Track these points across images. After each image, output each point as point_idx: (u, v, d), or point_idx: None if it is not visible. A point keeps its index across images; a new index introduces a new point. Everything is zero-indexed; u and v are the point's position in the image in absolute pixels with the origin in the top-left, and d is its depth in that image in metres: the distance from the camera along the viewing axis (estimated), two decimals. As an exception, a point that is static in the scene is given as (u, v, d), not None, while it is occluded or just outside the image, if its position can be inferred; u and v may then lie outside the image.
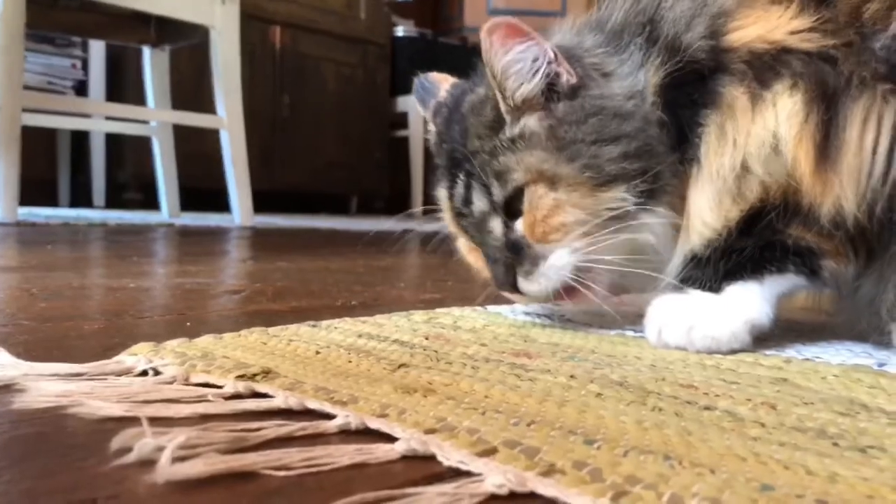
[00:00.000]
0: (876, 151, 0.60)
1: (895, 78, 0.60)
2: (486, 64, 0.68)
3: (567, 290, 0.70)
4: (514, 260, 0.70)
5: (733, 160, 0.64)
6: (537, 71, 0.67)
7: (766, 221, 0.64)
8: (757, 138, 0.63)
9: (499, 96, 0.69)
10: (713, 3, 0.67)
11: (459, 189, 0.73)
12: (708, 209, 0.65)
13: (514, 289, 0.71)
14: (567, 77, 0.68)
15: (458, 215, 0.74)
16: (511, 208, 0.69)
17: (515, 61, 0.67)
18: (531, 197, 0.68)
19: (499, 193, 0.69)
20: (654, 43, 0.68)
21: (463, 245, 0.78)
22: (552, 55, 0.68)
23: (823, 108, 0.61)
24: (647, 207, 0.67)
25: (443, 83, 0.83)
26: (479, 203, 0.71)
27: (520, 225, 0.69)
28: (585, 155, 0.66)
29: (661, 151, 0.67)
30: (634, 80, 0.68)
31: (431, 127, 0.81)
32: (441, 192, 0.77)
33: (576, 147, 0.66)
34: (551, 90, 0.68)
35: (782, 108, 0.62)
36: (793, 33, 0.63)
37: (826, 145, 0.61)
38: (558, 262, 0.68)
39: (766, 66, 0.63)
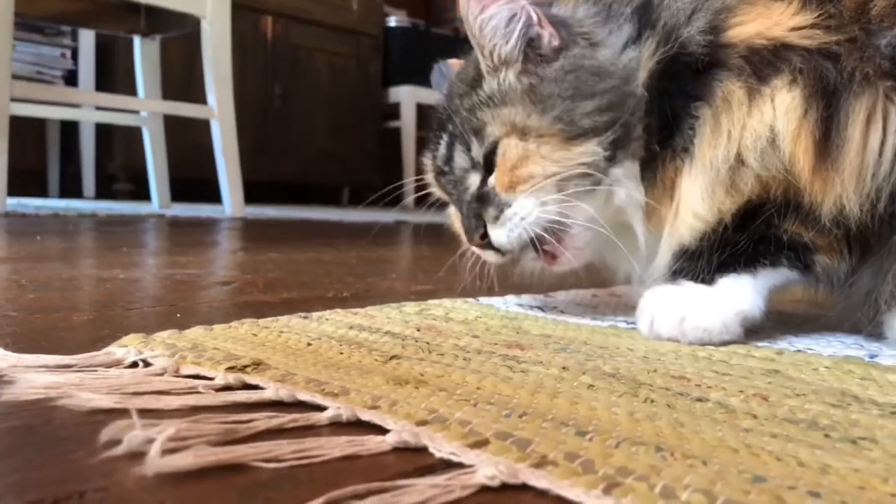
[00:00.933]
0: (882, 152, 0.60)
1: None
2: (464, 22, 0.69)
3: (544, 252, 0.70)
4: (480, 208, 0.70)
5: (727, 152, 0.64)
6: (514, 30, 0.68)
7: (764, 217, 0.64)
8: (753, 132, 0.63)
9: (478, 55, 0.70)
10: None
11: (441, 149, 0.74)
12: (700, 200, 0.65)
13: (485, 240, 0.70)
14: (549, 39, 0.69)
15: (440, 174, 0.75)
16: (490, 164, 0.70)
17: (491, 18, 0.68)
18: (503, 149, 0.68)
19: (477, 150, 0.70)
20: (650, 27, 0.68)
21: (453, 212, 0.79)
22: (534, 17, 0.68)
23: (823, 104, 0.61)
24: (616, 161, 0.67)
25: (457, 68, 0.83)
26: (460, 160, 0.72)
27: (493, 178, 0.70)
28: (559, 108, 0.66)
29: (632, 105, 0.67)
30: (623, 54, 0.68)
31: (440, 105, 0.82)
32: (426, 157, 0.78)
33: (551, 101, 0.67)
34: (533, 50, 0.69)
35: (780, 103, 0.62)
36: (794, 30, 0.62)
37: (826, 142, 0.60)
38: (522, 210, 0.68)
39: (764, 62, 0.63)
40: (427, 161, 0.78)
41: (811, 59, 0.61)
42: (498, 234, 0.69)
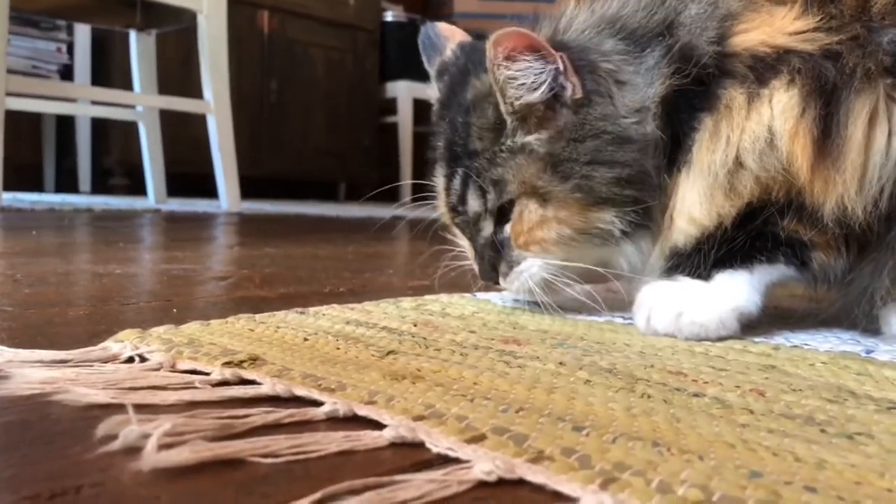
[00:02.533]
0: (888, 154, 0.60)
1: None
2: (489, 71, 0.67)
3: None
4: (495, 259, 0.73)
5: (725, 156, 0.63)
6: (540, 84, 0.67)
7: (764, 218, 0.64)
8: (751, 133, 0.62)
9: (499, 98, 0.68)
10: (722, 5, 0.66)
11: (456, 185, 0.74)
12: (698, 204, 0.65)
13: (496, 284, 0.75)
14: (572, 92, 0.67)
15: (453, 210, 0.76)
16: (503, 213, 0.71)
17: (517, 76, 0.67)
18: (521, 209, 0.70)
19: (493, 200, 0.71)
20: (668, 49, 0.67)
21: (458, 233, 0.80)
22: (561, 66, 0.67)
23: (822, 102, 0.60)
24: (631, 239, 0.69)
25: (450, 39, 0.81)
26: (474, 204, 0.72)
27: (508, 229, 0.71)
28: (578, 175, 0.67)
29: (654, 185, 0.67)
30: (645, 93, 0.67)
31: (434, 86, 0.80)
32: (439, 180, 0.77)
33: (570, 165, 0.67)
34: (555, 99, 0.68)
35: (777, 103, 0.62)
36: (795, 34, 0.62)
37: (826, 141, 0.60)
38: (529, 270, 0.71)
39: (767, 67, 0.63)
40: (439, 186, 0.78)
41: (810, 60, 0.61)
42: (508, 285, 0.74)
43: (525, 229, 0.70)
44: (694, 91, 0.66)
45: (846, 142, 0.60)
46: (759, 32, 0.64)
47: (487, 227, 0.73)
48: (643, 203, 0.67)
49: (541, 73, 0.67)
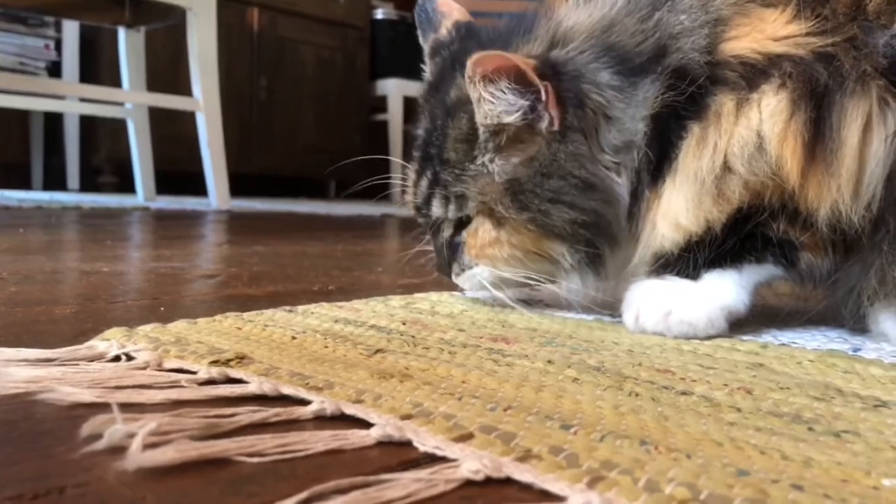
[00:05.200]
0: (884, 159, 0.59)
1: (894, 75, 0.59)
2: (467, 84, 0.66)
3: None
4: (452, 257, 0.75)
5: (712, 161, 0.63)
6: (515, 112, 0.65)
7: (756, 221, 0.64)
8: (740, 138, 0.62)
9: (475, 110, 0.67)
10: (712, 10, 0.65)
11: (423, 187, 0.74)
12: (684, 210, 0.64)
13: (450, 278, 0.77)
14: (549, 124, 0.66)
15: (417, 209, 0.77)
16: (462, 222, 0.73)
17: (493, 99, 0.65)
18: (477, 226, 0.71)
19: (454, 212, 0.72)
20: (662, 72, 0.65)
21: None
22: (543, 96, 0.65)
23: (812, 105, 0.59)
24: (579, 272, 0.70)
25: (447, 16, 0.79)
26: (437, 209, 0.73)
27: (465, 235, 0.73)
28: (535, 209, 0.67)
29: (611, 235, 0.68)
30: (632, 128, 0.66)
31: (427, 63, 0.80)
32: (410, 174, 0.77)
33: (530, 197, 0.67)
34: (530, 126, 0.66)
35: (766, 106, 0.61)
36: (786, 38, 0.62)
37: (818, 145, 0.59)
38: (481, 274, 0.73)
39: (758, 73, 0.62)
40: (410, 178, 0.77)
41: (801, 63, 0.60)
42: (461, 282, 0.76)
43: (478, 245, 0.71)
44: (684, 105, 0.65)
45: (840, 147, 0.59)
46: (749, 40, 0.63)
47: (447, 231, 0.75)
48: (595, 248, 0.68)
49: (515, 103, 0.65)
